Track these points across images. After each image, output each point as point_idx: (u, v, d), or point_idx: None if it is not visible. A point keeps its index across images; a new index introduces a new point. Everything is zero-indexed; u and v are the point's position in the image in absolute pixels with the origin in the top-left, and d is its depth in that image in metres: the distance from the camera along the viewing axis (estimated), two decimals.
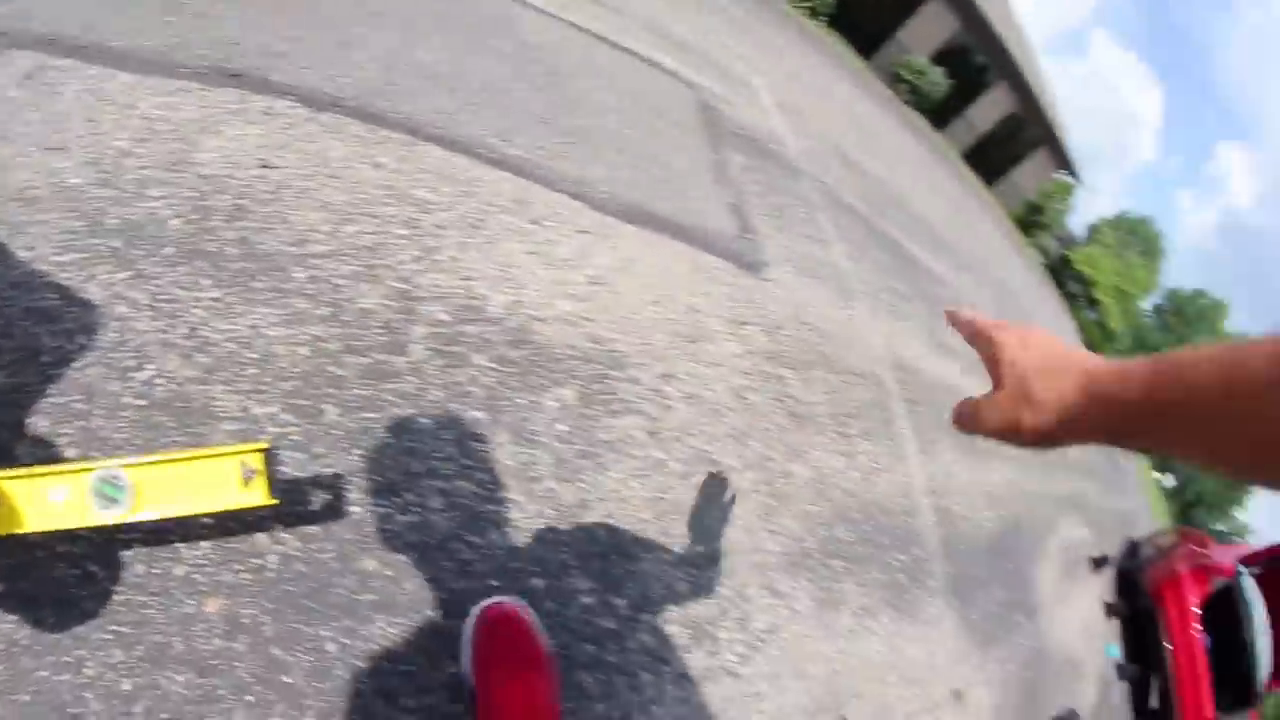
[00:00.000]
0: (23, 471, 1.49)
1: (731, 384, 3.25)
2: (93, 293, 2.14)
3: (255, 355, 1.96)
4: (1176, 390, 0.66)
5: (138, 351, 1.90)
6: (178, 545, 1.69)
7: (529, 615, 1.79)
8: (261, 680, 1.60)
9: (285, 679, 1.62)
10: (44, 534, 1.53)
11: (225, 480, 1.62)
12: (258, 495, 1.59)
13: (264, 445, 1.62)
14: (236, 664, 1.59)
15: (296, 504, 1.82)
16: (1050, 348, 0.84)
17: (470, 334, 2.32)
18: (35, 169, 2.44)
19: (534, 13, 4.49)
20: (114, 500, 1.52)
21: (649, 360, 2.87)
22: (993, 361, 0.91)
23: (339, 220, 2.38)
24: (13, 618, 1.58)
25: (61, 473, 1.52)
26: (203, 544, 1.69)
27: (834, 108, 10.29)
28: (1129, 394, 0.72)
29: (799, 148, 6.59)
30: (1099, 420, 0.76)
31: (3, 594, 1.60)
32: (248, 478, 1.61)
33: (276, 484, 1.74)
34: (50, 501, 1.50)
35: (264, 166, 2.47)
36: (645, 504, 2.44)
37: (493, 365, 2.31)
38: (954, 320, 1.01)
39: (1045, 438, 0.83)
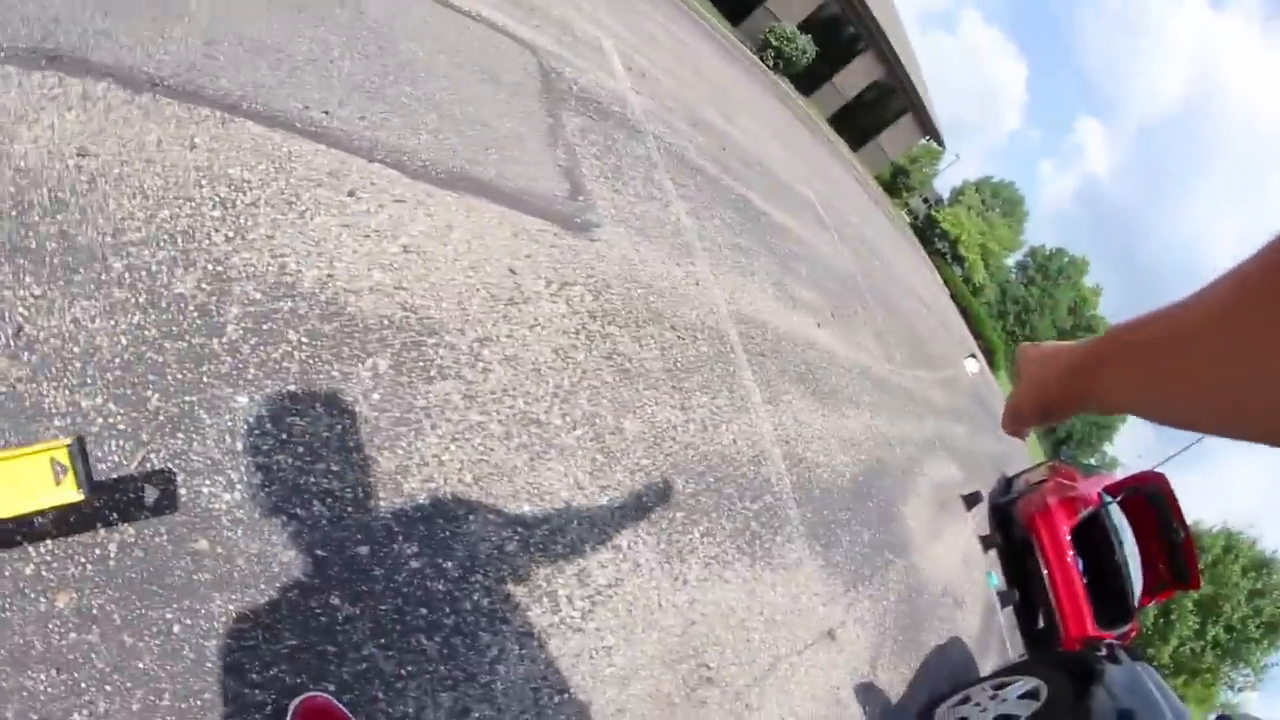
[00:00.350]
0: None
1: (554, 344, 3.37)
2: None
3: (79, 349, 2.03)
4: (1116, 351, 0.74)
5: None
6: (24, 544, 1.77)
7: (340, 706, 1.90)
8: (117, 669, 1.70)
9: (139, 664, 1.73)
10: None
11: (38, 480, 1.70)
12: (70, 492, 1.69)
13: (68, 441, 1.71)
14: (93, 655, 1.69)
15: (128, 492, 1.91)
16: (1053, 345, 0.94)
17: (283, 310, 2.40)
18: None
19: None
20: None
21: (464, 325, 2.96)
22: (1016, 367, 1.04)
23: (154, 206, 2.42)
24: None
25: None
26: (47, 540, 1.78)
27: (691, 71, 10.38)
28: (1084, 359, 0.81)
29: (644, 109, 6.69)
30: (1066, 385, 0.85)
31: None
32: (59, 475, 1.71)
33: (105, 473, 1.87)
34: None
35: (81, 155, 2.48)
36: (466, 467, 2.58)
37: (305, 340, 2.39)
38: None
39: (1037, 407, 0.93)
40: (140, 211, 2.40)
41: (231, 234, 2.48)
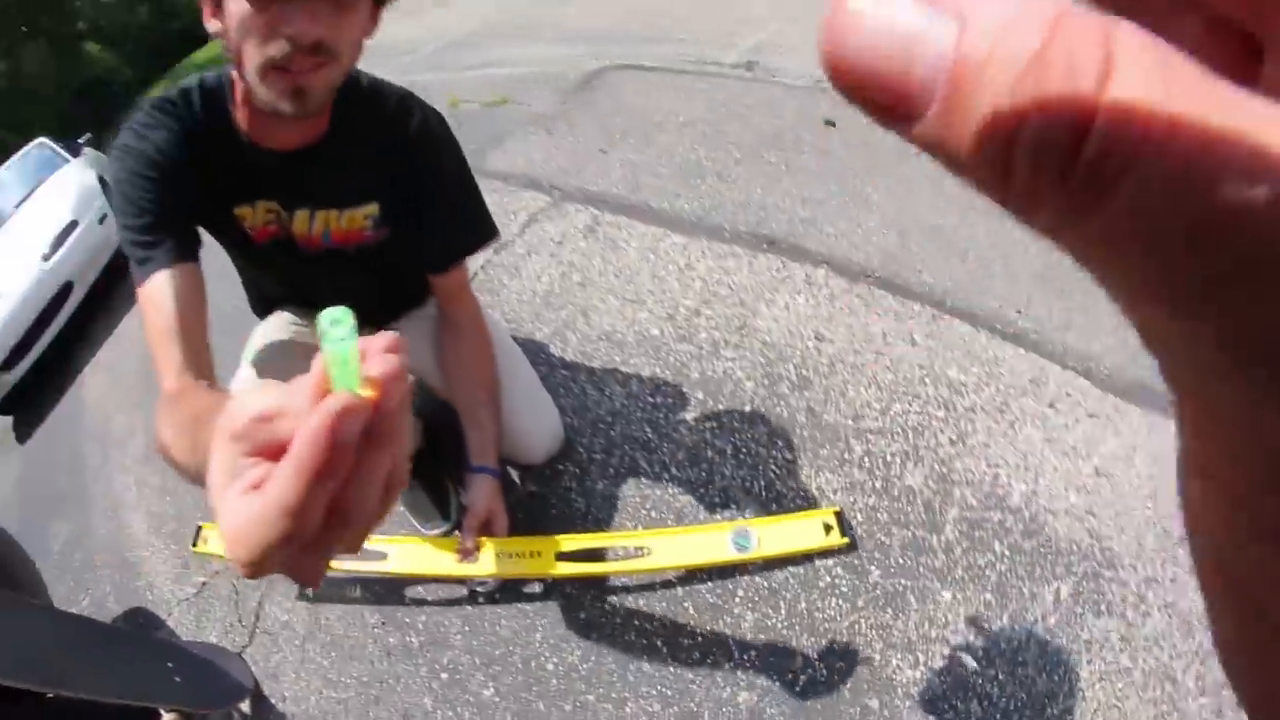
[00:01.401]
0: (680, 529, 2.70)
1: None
2: (682, 434, 2.92)
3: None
4: None
5: (723, 492, 2.74)
6: (728, 642, 2.50)
7: None
8: None
9: None
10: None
11: (812, 532, 2.62)
12: (835, 538, 2.60)
13: (836, 509, 2.64)
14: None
15: (833, 637, 2.55)
16: None
17: (993, 521, 2.79)
18: (616, 316, 3.27)
19: None
20: (745, 546, 2.58)
21: (1138, 562, 3.09)
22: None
23: (888, 398, 2.97)
24: (582, 654, 2.53)
25: (710, 529, 2.69)
26: (751, 646, 2.49)
27: None
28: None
29: None
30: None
31: (584, 631, 2.54)
32: (827, 530, 2.59)
33: (821, 621, 2.56)
34: (699, 547, 2.68)
35: (818, 339, 3.14)
36: (1101, 710, 2.75)
37: (1008, 552, 2.76)
38: None
39: None
40: (876, 402, 2.98)
41: (954, 436, 2.93)
